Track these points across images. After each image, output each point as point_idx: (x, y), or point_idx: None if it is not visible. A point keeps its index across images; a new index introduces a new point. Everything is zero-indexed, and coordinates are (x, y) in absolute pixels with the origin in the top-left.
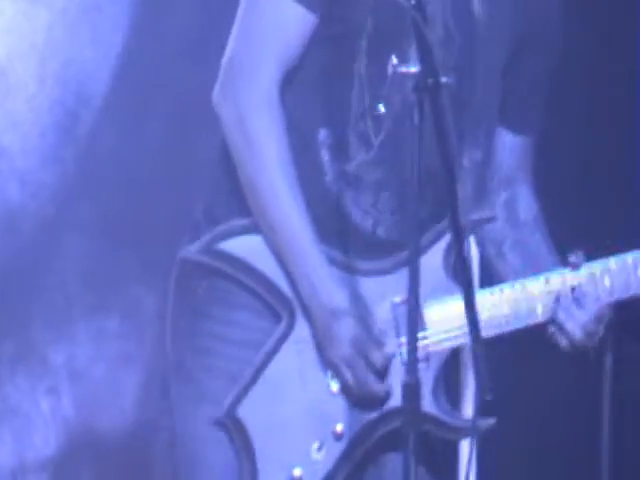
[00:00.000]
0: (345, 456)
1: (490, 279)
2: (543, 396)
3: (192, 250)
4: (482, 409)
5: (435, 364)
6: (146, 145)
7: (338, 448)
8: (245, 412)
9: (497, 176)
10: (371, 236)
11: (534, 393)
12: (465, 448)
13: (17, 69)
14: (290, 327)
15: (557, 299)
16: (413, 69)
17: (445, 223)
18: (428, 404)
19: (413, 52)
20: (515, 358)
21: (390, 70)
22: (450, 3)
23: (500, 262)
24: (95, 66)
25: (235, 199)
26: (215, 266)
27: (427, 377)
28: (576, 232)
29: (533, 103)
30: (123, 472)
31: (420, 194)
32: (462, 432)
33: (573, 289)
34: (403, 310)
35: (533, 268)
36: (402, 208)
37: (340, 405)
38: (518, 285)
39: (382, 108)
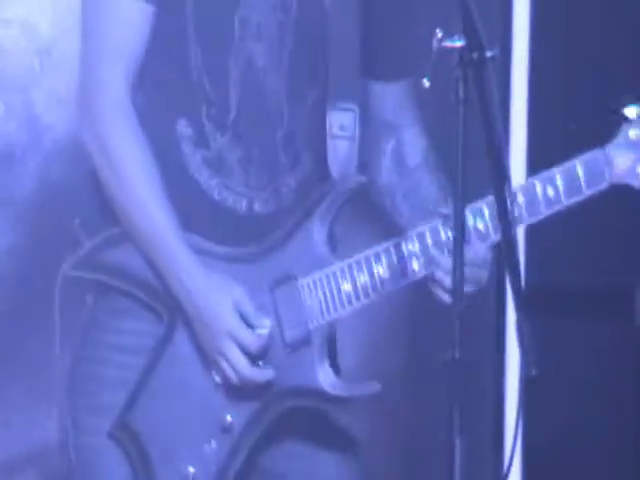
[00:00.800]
0: (236, 448)
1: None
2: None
3: (72, 265)
4: (529, 383)
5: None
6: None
7: (228, 440)
8: (136, 419)
9: (374, 129)
10: (249, 216)
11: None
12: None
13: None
14: (171, 328)
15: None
16: (459, 43)
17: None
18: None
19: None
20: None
21: (435, 44)
22: None
23: (396, 215)
24: None
25: (109, 209)
26: (96, 278)
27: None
28: None
29: (394, 48)
30: None
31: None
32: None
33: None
34: (280, 294)
35: (423, 214)
36: (273, 179)
37: (225, 398)
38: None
39: (426, 82)
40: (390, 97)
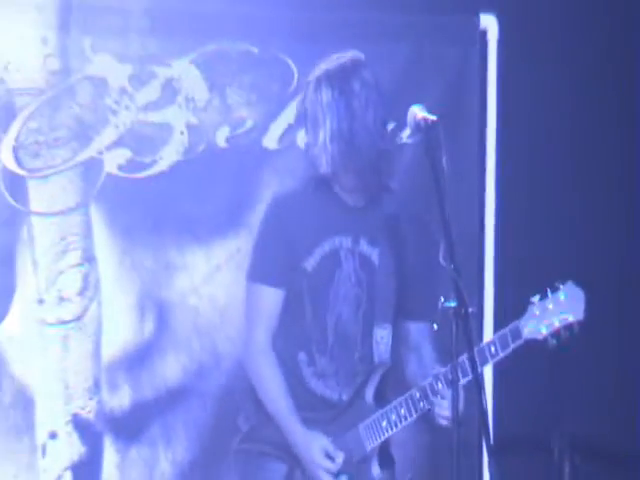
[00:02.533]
0: None
1: None
2: None
3: (238, 442)
4: None
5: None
6: None
7: None
8: None
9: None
10: (339, 402)
11: None
12: None
13: None
14: (291, 466)
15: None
16: (453, 304)
17: None
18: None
19: None
20: None
21: (439, 305)
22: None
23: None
24: None
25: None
26: (256, 448)
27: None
28: None
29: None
30: None
31: None
32: None
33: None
34: (349, 437)
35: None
36: (352, 380)
37: None
38: None
39: (435, 326)
40: (414, 332)
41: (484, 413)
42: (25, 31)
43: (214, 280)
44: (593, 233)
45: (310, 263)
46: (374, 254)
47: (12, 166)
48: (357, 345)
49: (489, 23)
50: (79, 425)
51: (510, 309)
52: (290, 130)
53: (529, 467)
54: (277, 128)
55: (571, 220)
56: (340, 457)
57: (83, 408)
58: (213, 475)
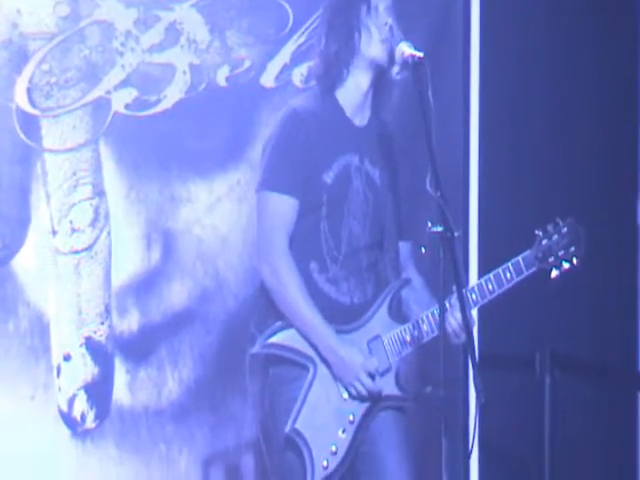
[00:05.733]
0: (356, 433)
1: None
2: None
3: (255, 349)
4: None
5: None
6: None
7: (352, 429)
8: (301, 423)
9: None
10: (351, 306)
11: None
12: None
13: None
14: (314, 373)
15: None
16: (440, 229)
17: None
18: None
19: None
20: None
21: (427, 230)
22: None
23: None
24: None
25: (273, 313)
26: (270, 352)
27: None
28: None
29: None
30: None
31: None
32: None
33: None
34: (373, 345)
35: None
36: (363, 287)
37: (349, 404)
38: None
39: (423, 250)
40: (402, 251)
41: (468, 326)
42: None
43: (216, 211)
44: (579, 165)
45: (330, 176)
46: (376, 174)
47: (26, 106)
48: (365, 257)
49: None
50: (91, 348)
51: (493, 235)
52: (286, 69)
53: (512, 381)
54: (274, 67)
55: (554, 155)
56: (376, 363)
57: (95, 332)
58: (218, 393)
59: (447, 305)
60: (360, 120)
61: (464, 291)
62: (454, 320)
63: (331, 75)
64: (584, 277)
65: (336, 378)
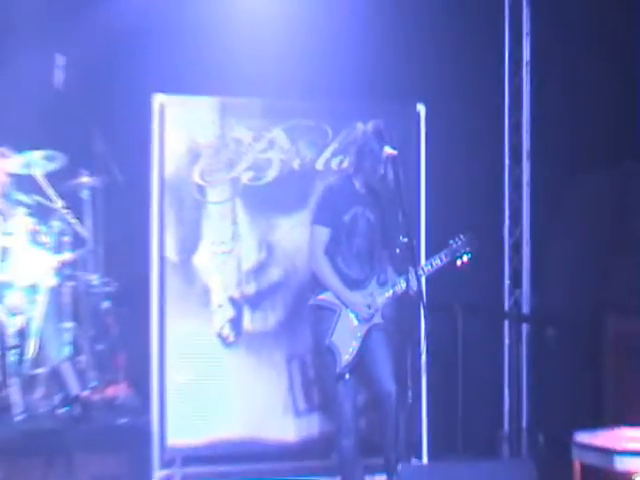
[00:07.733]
0: (360, 348)
1: None
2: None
3: (310, 302)
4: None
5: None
6: None
7: (359, 341)
8: (334, 339)
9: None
10: (358, 277)
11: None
12: None
13: None
14: (339, 313)
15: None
16: (406, 240)
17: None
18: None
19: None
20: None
21: (400, 239)
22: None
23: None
24: None
25: (317, 284)
26: (316, 304)
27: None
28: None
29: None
30: None
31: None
32: None
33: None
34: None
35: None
36: (366, 267)
37: (358, 328)
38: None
39: (398, 250)
40: (384, 252)
41: (419, 285)
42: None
43: (293, 233)
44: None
45: (347, 218)
46: (372, 217)
47: (199, 180)
48: (365, 255)
49: (420, 108)
50: (232, 301)
51: (432, 242)
52: (327, 161)
53: (437, 321)
54: (322, 159)
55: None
56: (376, 303)
57: (234, 294)
58: (294, 324)
59: (409, 276)
60: (361, 188)
61: (417, 268)
62: (413, 283)
63: (355, 170)
64: None
65: (351, 311)
